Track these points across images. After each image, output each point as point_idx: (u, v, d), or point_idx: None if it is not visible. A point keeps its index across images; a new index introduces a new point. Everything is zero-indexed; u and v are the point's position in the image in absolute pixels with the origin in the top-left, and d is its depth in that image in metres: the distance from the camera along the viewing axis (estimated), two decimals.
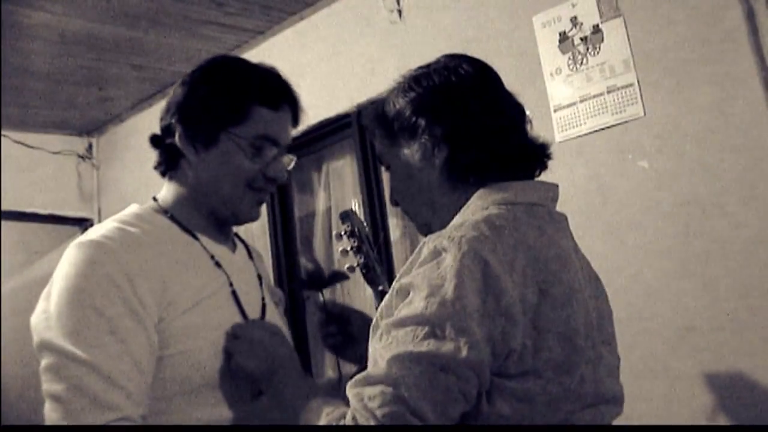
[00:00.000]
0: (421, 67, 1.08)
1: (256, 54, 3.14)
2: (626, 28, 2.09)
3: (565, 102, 2.20)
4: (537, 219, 0.97)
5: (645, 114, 2.02)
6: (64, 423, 0.96)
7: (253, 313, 1.19)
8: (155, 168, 1.23)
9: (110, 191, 4.09)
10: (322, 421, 0.89)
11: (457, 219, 0.99)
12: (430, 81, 1.04)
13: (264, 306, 1.23)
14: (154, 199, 1.22)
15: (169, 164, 1.21)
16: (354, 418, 0.82)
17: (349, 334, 1.29)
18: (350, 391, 0.85)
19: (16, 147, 3.78)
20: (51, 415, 0.97)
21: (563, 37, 2.23)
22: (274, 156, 1.18)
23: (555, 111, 2.21)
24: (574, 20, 2.21)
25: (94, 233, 1.08)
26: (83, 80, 3.41)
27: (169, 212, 1.19)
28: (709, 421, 1.82)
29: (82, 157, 4.12)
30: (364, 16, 2.83)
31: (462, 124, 1.00)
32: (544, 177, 1.09)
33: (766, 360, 1.76)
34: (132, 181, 3.92)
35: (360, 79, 2.79)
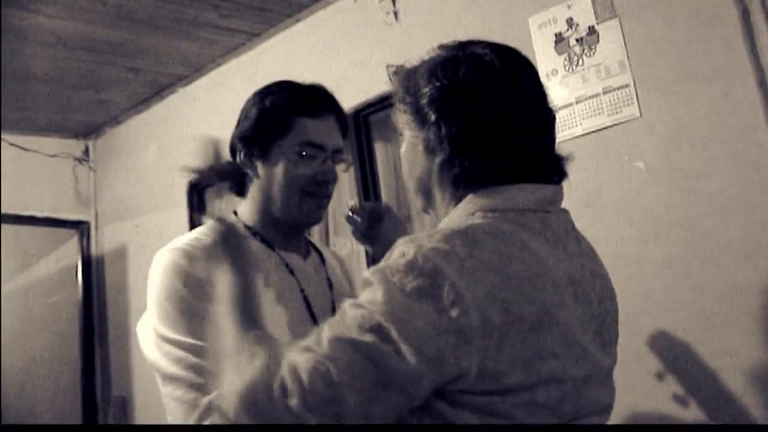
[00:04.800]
0: (455, 49, 1.05)
1: (252, 56, 3.13)
2: (622, 29, 2.09)
3: (561, 103, 2.20)
4: (524, 230, 0.93)
5: (641, 115, 2.03)
6: (191, 397, 1.06)
7: (323, 314, 1.28)
8: (230, 190, 1.38)
9: (107, 194, 4.08)
10: (256, 363, 0.88)
11: (441, 223, 0.98)
12: (455, 73, 1.00)
13: (333, 309, 1.32)
14: (235, 213, 1.37)
15: (239, 184, 1.36)
16: (282, 384, 0.83)
17: (379, 230, 1.45)
18: (289, 355, 0.86)
19: (13, 150, 3.77)
20: (175, 393, 1.08)
21: (559, 39, 2.23)
22: (323, 160, 1.29)
23: None
24: (569, 21, 2.22)
25: (177, 242, 1.24)
26: (80, 83, 3.41)
27: (246, 224, 1.32)
28: (707, 420, 1.83)
29: (78, 160, 4.11)
30: (360, 17, 2.83)
31: (468, 130, 0.97)
32: None
33: (765, 359, 1.77)
34: (128, 184, 3.91)
35: (356, 81, 2.79)
